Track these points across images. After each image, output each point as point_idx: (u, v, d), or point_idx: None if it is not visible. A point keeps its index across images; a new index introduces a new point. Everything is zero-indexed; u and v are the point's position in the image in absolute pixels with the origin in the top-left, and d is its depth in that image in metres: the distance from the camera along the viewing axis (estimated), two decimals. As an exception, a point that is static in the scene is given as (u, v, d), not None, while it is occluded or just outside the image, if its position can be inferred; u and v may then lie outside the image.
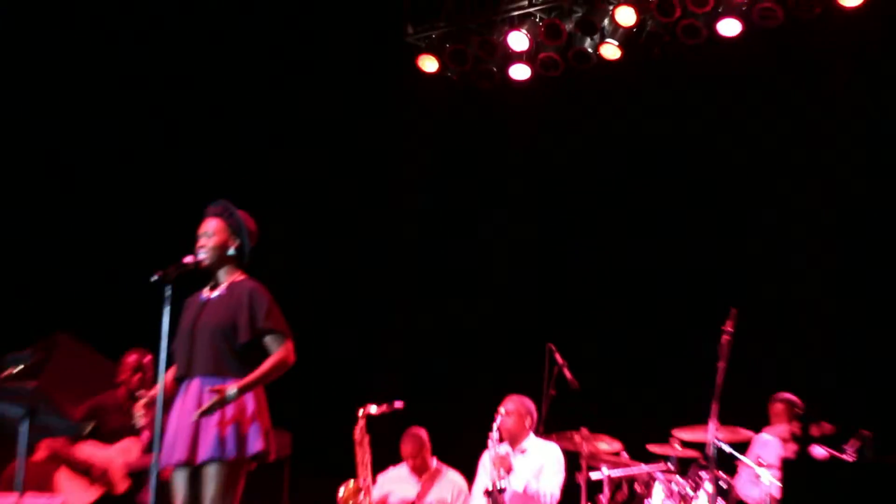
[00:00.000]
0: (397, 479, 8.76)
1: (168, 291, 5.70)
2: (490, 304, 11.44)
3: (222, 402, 5.67)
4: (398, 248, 12.01)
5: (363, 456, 8.39)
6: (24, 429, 6.24)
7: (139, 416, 7.26)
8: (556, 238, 11.31)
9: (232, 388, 5.69)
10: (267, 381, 5.84)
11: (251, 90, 11.46)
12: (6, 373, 6.35)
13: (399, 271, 11.97)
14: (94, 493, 7.55)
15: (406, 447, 8.76)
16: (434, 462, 8.85)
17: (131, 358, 7.87)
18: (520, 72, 10.41)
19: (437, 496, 8.55)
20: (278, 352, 5.85)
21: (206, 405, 5.66)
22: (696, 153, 10.65)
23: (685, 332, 9.82)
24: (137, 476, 7.56)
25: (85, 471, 7.58)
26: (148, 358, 7.84)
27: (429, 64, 10.60)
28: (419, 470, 8.75)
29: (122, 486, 7.54)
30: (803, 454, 8.47)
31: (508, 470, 7.91)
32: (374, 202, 11.94)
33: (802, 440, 8.64)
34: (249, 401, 5.81)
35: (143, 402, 6.19)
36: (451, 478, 8.76)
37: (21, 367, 6.38)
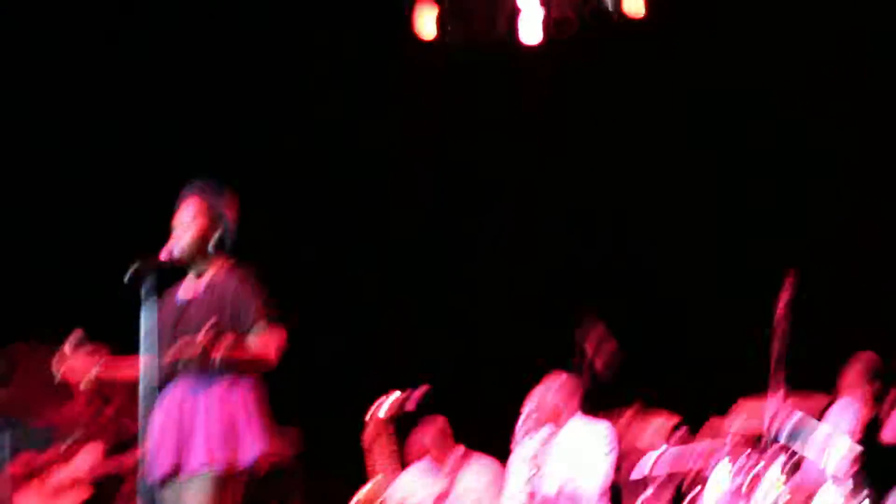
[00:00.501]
0: (418, 477, 8.65)
1: (143, 293, 5.52)
2: (519, 277, 11.42)
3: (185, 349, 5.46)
4: (415, 227, 11.99)
5: (382, 452, 8.25)
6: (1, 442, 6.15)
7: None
8: (589, 207, 11.27)
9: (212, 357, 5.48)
10: (250, 368, 5.65)
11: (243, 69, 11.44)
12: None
13: (424, 246, 11.95)
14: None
15: (423, 439, 8.64)
16: (460, 451, 8.70)
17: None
18: (531, 34, 10.22)
19: (466, 488, 8.43)
20: (267, 344, 5.67)
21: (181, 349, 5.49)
22: (730, 119, 10.63)
23: (744, 293, 9.77)
24: (100, 485, 7.51)
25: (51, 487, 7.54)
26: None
27: (427, 27, 10.39)
28: (441, 462, 8.62)
29: (84, 495, 7.44)
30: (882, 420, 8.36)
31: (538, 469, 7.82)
32: (377, 184, 11.90)
33: (882, 403, 8.51)
34: (244, 398, 5.69)
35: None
36: (481, 465, 8.66)
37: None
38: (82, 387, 5.80)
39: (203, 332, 5.48)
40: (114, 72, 11.07)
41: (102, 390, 7.70)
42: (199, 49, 11.16)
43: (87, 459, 7.57)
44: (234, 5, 11.10)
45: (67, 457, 7.58)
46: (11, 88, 10.70)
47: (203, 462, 5.55)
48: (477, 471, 8.62)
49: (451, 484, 8.59)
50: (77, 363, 5.77)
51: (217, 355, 5.48)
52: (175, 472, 5.59)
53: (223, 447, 5.57)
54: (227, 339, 5.50)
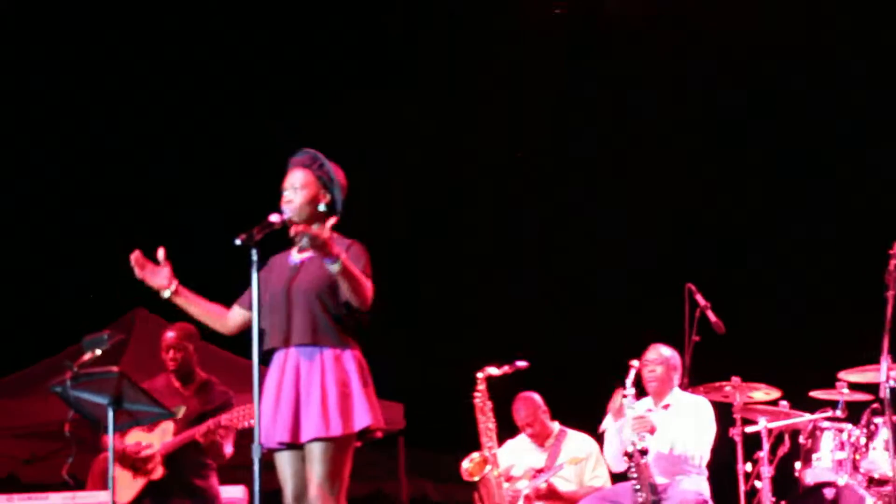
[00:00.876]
0: (518, 450, 8.65)
1: (254, 255, 5.58)
2: (622, 244, 11.36)
3: (317, 239, 5.50)
4: (521, 195, 12.00)
5: (486, 423, 8.30)
6: (110, 418, 6.22)
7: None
8: (693, 170, 11.18)
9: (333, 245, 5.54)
10: (357, 285, 5.64)
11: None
12: (84, 358, 6.32)
13: (520, 221, 11.97)
14: (139, 483, 7.64)
15: (519, 413, 8.65)
16: (556, 426, 8.69)
17: (168, 332, 7.86)
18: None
19: (570, 455, 8.41)
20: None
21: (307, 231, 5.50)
22: (838, 73, 10.39)
23: (845, 258, 9.61)
24: (172, 459, 7.59)
25: (130, 462, 7.62)
26: (189, 330, 7.77)
27: None
28: (540, 437, 8.63)
29: (158, 472, 7.58)
30: None
31: (651, 430, 7.72)
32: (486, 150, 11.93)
33: None
34: (353, 372, 5.75)
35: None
36: (578, 440, 8.65)
37: (100, 350, 6.35)
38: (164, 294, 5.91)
39: (326, 229, 5.55)
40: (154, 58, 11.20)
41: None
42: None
43: (166, 435, 7.62)
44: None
45: (143, 431, 7.67)
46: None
47: (320, 429, 5.62)
48: (575, 447, 8.60)
49: (551, 458, 8.58)
50: (161, 271, 5.91)
51: (337, 250, 5.54)
52: (293, 439, 5.67)
53: (338, 415, 5.65)
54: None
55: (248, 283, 5.59)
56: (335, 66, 11.89)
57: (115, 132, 12.43)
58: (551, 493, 8.35)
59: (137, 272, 5.94)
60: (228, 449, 7.72)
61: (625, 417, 7.80)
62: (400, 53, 12.03)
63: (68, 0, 11.64)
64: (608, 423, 7.99)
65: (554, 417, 8.81)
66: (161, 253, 5.94)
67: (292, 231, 5.57)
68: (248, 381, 5.51)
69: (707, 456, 7.97)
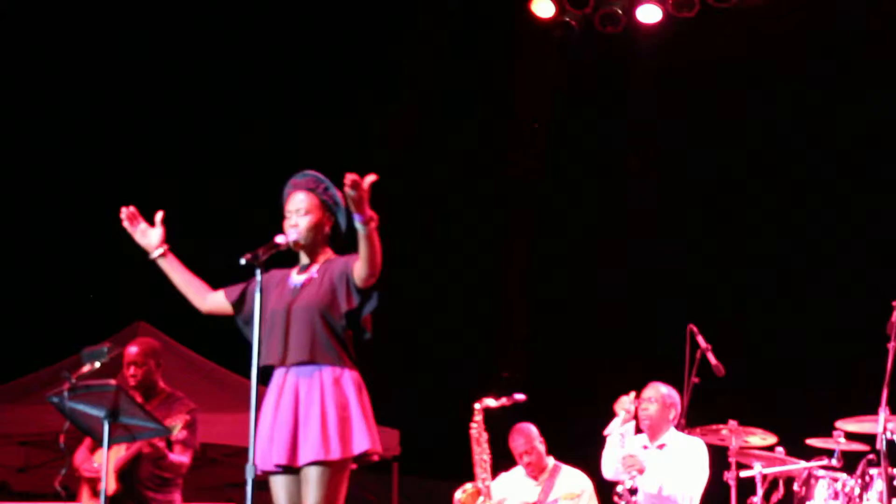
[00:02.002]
0: (512, 484, 8.62)
1: (258, 275, 5.60)
2: (625, 282, 11.34)
3: (361, 202, 5.47)
4: (516, 222, 12.00)
5: (481, 455, 8.29)
6: (106, 431, 6.21)
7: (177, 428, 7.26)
8: (694, 209, 11.17)
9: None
10: (374, 250, 5.61)
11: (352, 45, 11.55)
12: (83, 370, 6.31)
13: (518, 246, 11.96)
14: (95, 500, 7.53)
15: (517, 442, 8.63)
16: (552, 461, 8.67)
17: (130, 347, 7.73)
18: (649, 13, 10.19)
19: (564, 490, 8.38)
20: None
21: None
22: (854, 108, 10.41)
23: (847, 308, 9.59)
24: (125, 474, 7.45)
25: (88, 480, 7.57)
26: (151, 346, 7.74)
27: (544, 8, 10.41)
28: (535, 469, 8.60)
29: (111, 487, 7.43)
30: None
31: (640, 471, 7.72)
32: (486, 170, 11.92)
33: None
34: (352, 394, 5.73)
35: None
36: (572, 476, 8.63)
37: (99, 363, 6.34)
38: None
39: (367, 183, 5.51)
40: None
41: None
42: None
43: (119, 450, 7.44)
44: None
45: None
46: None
47: (319, 453, 5.60)
48: (569, 482, 8.57)
49: (545, 493, 8.55)
50: (153, 231, 5.91)
51: (370, 213, 5.51)
52: (290, 461, 5.64)
53: (337, 438, 5.63)
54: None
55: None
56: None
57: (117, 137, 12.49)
58: None
59: (128, 228, 5.93)
60: (181, 458, 7.54)
61: (630, 424, 7.82)
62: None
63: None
64: (613, 428, 7.99)
65: (549, 452, 8.79)
66: (159, 216, 5.93)
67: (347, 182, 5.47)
68: (246, 399, 5.51)
69: (697, 498, 7.95)
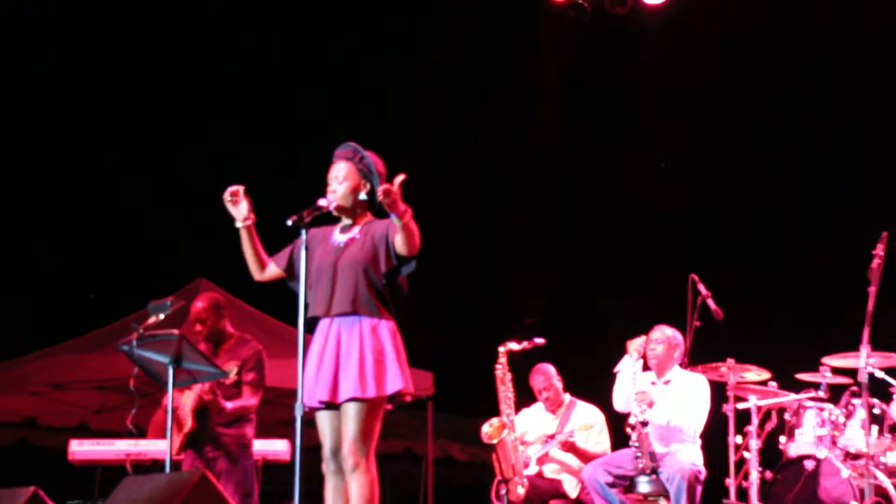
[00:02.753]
0: (533, 418, 8.67)
1: (303, 234, 5.67)
2: (631, 238, 11.32)
3: (395, 203, 5.57)
4: (539, 187, 11.97)
5: (505, 392, 8.33)
6: (170, 375, 6.29)
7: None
8: (695, 169, 11.13)
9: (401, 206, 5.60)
10: (412, 237, 5.71)
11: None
12: (150, 321, 6.40)
13: (540, 210, 11.94)
14: (180, 436, 7.58)
15: (537, 380, 8.68)
16: (568, 397, 8.70)
17: (197, 305, 7.72)
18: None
19: (580, 422, 8.42)
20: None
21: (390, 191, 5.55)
22: (843, 74, 10.30)
23: (833, 256, 9.55)
24: (199, 413, 7.52)
25: (175, 418, 7.62)
26: (215, 301, 7.77)
27: None
28: (553, 404, 8.65)
29: (188, 424, 7.54)
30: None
31: (650, 404, 7.76)
32: (511, 140, 11.91)
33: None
34: (387, 341, 5.79)
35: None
36: (586, 410, 8.66)
37: (163, 315, 6.42)
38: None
39: (397, 185, 5.59)
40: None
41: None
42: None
43: (194, 390, 7.52)
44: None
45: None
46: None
47: (357, 391, 5.67)
48: (584, 415, 8.62)
49: (562, 424, 8.60)
50: (244, 204, 5.96)
51: (404, 207, 5.60)
52: (332, 398, 5.72)
53: (373, 379, 5.69)
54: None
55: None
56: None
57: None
58: (570, 446, 8.36)
59: (229, 199, 5.96)
60: (249, 401, 7.51)
61: (639, 363, 7.85)
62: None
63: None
64: (623, 365, 8.02)
65: (566, 389, 8.83)
66: (241, 189, 5.97)
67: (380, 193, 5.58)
68: (295, 347, 5.60)
69: (700, 428, 7.98)
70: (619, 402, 8.06)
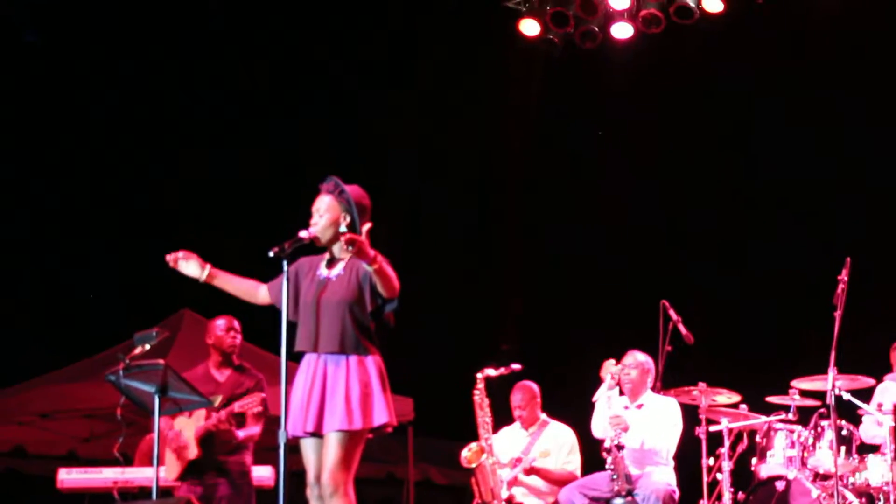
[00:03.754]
0: (508, 437, 8.59)
1: (285, 266, 5.67)
2: (604, 264, 11.34)
3: (361, 251, 5.61)
4: (512, 210, 12.00)
5: (483, 417, 8.29)
6: (156, 404, 6.26)
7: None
8: (665, 197, 11.16)
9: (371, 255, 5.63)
10: (390, 278, 5.73)
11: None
12: (136, 351, 6.37)
13: (516, 233, 11.96)
14: (181, 464, 7.60)
15: (516, 396, 8.55)
16: (543, 416, 8.62)
17: (221, 321, 7.82)
18: (622, 30, 10.19)
19: (541, 448, 8.36)
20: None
21: (359, 250, 5.59)
22: (802, 107, 10.37)
23: (800, 282, 9.59)
24: (204, 441, 7.54)
25: (174, 446, 7.63)
26: (237, 323, 7.81)
27: (530, 27, 10.41)
28: (526, 422, 8.54)
29: (194, 452, 7.55)
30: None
31: (625, 429, 7.75)
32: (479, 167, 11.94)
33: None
34: (374, 375, 5.80)
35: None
36: (557, 429, 8.54)
37: (149, 345, 6.39)
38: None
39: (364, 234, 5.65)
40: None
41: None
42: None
43: (200, 418, 7.56)
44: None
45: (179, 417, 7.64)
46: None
47: (343, 423, 5.68)
48: (552, 435, 8.52)
49: (530, 445, 8.48)
50: (191, 261, 5.98)
51: (373, 253, 5.63)
52: (317, 429, 5.72)
53: (359, 411, 5.70)
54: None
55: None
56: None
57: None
58: (533, 471, 8.29)
59: (174, 265, 5.98)
60: (253, 430, 7.65)
61: (615, 389, 7.84)
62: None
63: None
64: (600, 393, 8.01)
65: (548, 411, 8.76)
66: (176, 255, 6.00)
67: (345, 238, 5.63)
68: (278, 375, 5.60)
69: (673, 450, 7.97)
70: (598, 429, 8.04)
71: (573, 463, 8.40)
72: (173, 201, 12.43)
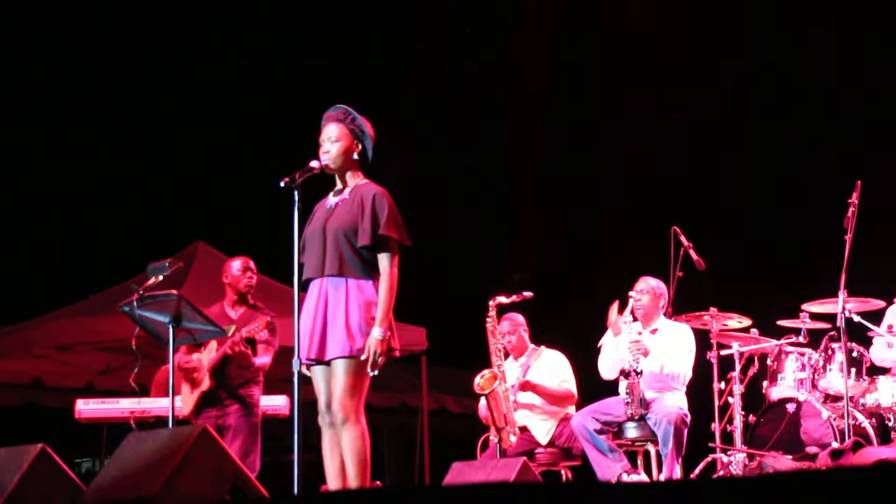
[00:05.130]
0: (508, 370, 8.55)
1: (296, 196, 5.64)
2: (614, 191, 11.30)
3: (377, 348, 5.66)
4: (520, 138, 11.94)
5: (496, 344, 8.29)
6: (171, 334, 6.29)
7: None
8: (676, 121, 11.08)
9: (376, 333, 5.66)
10: (392, 302, 5.75)
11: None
12: (149, 282, 6.40)
13: (524, 161, 11.91)
14: (196, 395, 7.70)
15: (502, 326, 8.47)
16: (534, 346, 8.59)
17: (237, 261, 7.88)
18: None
19: (535, 376, 8.32)
20: (387, 272, 5.77)
21: (369, 357, 5.66)
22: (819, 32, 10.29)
23: (810, 206, 9.55)
24: (217, 372, 7.64)
25: (189, 378, 7.72)
26: (252, 263, 7.88)
27: None
28: (515, 351, 8.49)
29: (206, 384, 7.65)
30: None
31: (645, 353, 7.75)
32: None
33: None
34: (374, 299, 5.75)
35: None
36: (548, 354, 8.50)
37: (162, 276, 6.42)
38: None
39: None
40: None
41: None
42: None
43: (212, 351, 7.65)
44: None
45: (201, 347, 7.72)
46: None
47: (344, 348, 5.68)
48: (546, 357, 8.46)
49: (524, 372, 8.47)
50: None
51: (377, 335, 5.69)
52: (319, 356, 5.73)
53: (360, 336, 5.69)
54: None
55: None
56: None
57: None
58: (528, 386, 8.23)
59: None
60: (263, 360, 7.72)
61: (621, 334, 7.85)
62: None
63: None
64: (606, 339, 8.02)
65: (551, 340, 8.78)
66: None
67: None
68: (290, 305, 5.63)
69: (689, 375, 7.98)
70: (606, 370, 8.02)
71: (568, 382, 8.34)
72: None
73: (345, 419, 5.71)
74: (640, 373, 7.68)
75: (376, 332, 5.66)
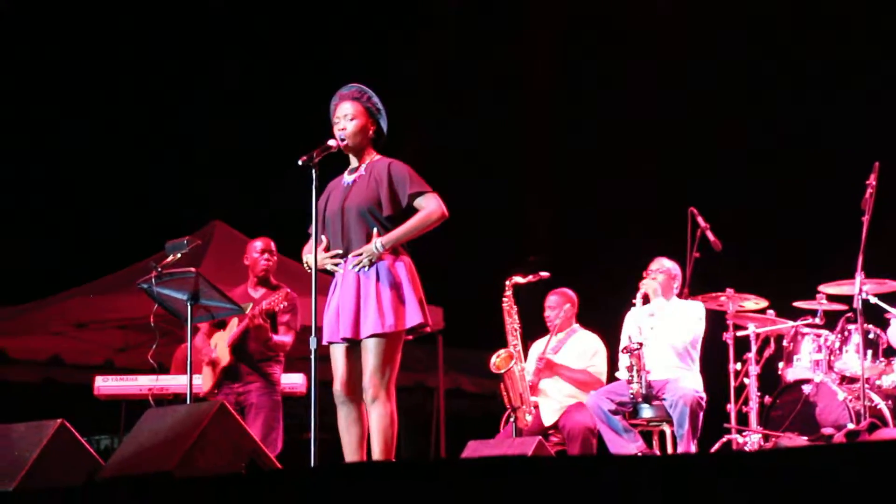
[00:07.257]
0: (535, 350, 8.54)
1: (314, 174, 5.65)
2: (633, 172, 11.28)
3: (370, 256, 5.69)
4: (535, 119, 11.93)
5: (512, 324, 8.29)
6: (189, 311, 6.31)
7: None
8: (697, 101, 11.04)
9: (375, 242, 5.67)
10: (414, 233, 5.78)
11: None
12: (167, 260, 6.42)
13: (540, 143, 11.90)
14: (216, 373, 7.72)
15: (550, 298, 8.46)
16: (575, 326, 8.56)
17: (258, 242, 7.92)
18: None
19: (563, 357, 8.30)
20: (428, 206, 5.77)
21: (356, 261, 5.68)
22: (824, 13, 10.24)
23: (827, 187, 9.51)
24: (237, 348, 7.68)
25: (209, 359, 7.75)
26: (273, 244, 7.91)
27: None
28: (556, 327, 8.39)
29: (227, 359, 7.69)
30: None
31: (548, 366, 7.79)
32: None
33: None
34: (404, 277, 5.78)
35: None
36: (583, 335, 8.46)
37: (180, 253, 6.44)
38: None
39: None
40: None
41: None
42: None
43: (232, 328, 7.69)
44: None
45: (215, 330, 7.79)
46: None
47: (377, 326, 5.69)
48: (580, 339, 8.45)
49: (557, 349, 8.44)
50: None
51: (379, 249, 5.68)
52: (354, 335, 5.73)
53: (392, 314, 5.70)
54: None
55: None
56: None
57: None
58: (549, 365, 8.22)
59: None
60: (284, 339, 7.75)
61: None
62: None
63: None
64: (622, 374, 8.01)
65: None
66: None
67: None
68: (309, 285, 5.64)
69: (698, 348, 7.92)
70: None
71: (598, 366, 8.30)
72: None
73: (374, 397, 5.72)
74: (641, 345, 7.66)
75: (377, 243, 5.67)
